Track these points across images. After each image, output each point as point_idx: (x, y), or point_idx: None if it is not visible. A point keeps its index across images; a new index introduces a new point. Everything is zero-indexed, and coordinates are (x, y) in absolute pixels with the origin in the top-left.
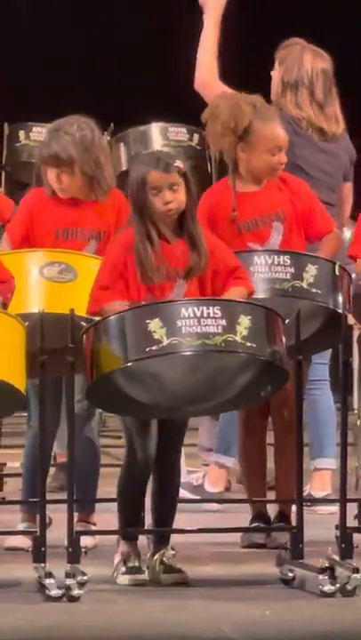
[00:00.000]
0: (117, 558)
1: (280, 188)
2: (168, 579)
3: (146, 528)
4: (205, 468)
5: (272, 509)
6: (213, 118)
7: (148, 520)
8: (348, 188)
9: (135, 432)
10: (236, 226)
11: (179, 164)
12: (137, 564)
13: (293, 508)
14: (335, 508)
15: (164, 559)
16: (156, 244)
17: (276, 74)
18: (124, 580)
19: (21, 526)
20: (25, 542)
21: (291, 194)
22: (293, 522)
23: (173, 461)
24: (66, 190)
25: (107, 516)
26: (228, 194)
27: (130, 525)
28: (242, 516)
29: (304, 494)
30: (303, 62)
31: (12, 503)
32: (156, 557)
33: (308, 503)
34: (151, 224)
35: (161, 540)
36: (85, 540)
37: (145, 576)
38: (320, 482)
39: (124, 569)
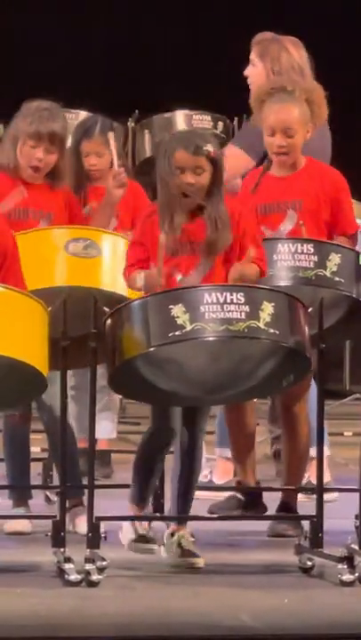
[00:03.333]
0: (126, 525)
1: (311, 176)
2: (184, 562)
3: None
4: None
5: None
6: None
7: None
8: None
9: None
10: (256, 207)
11: (209, 147)
12: (145, 532)
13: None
14: (335, 495)
15: (183, 542)
16: (178, 219)
17: (257, 69)
18: (132, 547)
19: (18, 511)
20: (25, 526)
21: (320, 184)
22: (307, 511)
23: (195, 442)
24: (42, 171)
25: (125, 503)
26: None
27: (141, 490)
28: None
29: (305, 482)
30: (289, 50)
31: (35, 488)
32: (174, 539)
33: (309, 492)
34: (174, 200)
35: (180, 519)
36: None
37: (154, 546)
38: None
39: (133, 536)
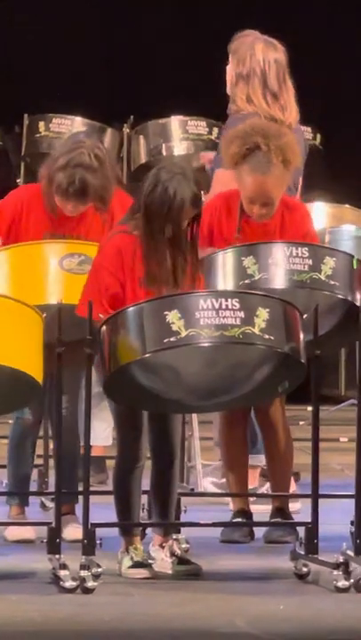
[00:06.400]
0: (121, 552)
1: (284, 218)
2: (182, 570)
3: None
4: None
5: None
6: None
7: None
8: (300, 180)
9: (124, 426)
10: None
11: (203, 196)
12: (141, 558)
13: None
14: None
15: (176, 550)
16: (167, 255)
17: (229, 66)
18: (130, 573)
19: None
20: (30, 533)
21: (294, 226)
22: (302, 517)
23: (170, 452)
24: (76, 213)
25: None
26: (237, 207)
27: (126, 520)
28: (258, 509)
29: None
30: (255, 52)
31: (31, 494)
32: (165, 549)
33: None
34: (166, 238)
35: (165, 531)
36: (75, 533)
37: (152, 570)
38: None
39: (130, 563)
